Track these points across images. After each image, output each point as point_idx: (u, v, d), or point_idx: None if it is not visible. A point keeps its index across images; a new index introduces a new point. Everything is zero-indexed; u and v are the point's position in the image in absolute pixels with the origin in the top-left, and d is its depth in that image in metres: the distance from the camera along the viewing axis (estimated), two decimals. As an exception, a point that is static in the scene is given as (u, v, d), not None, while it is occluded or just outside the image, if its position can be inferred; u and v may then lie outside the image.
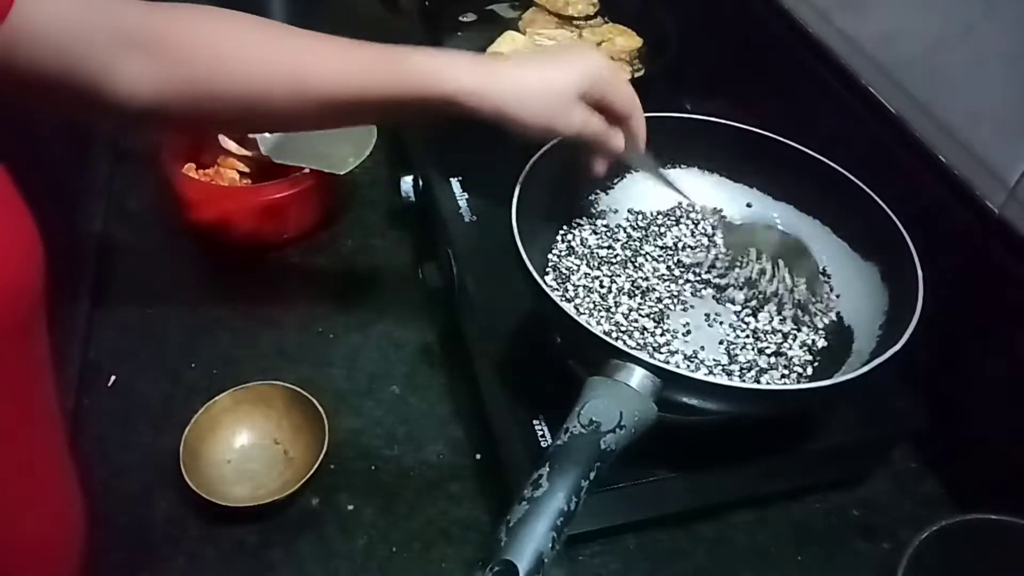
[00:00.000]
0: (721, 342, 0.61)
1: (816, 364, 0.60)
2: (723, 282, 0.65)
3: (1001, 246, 0.59)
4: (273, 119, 0.58)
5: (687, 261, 0.67)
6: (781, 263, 0.66)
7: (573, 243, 0.66)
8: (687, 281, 0.65)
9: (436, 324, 0.75)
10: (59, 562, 0.45)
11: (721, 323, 0.63)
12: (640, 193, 0.70)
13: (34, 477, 0.42)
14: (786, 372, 0.60)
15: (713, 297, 0.64)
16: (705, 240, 0.69)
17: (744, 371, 0.59)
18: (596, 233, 0.68)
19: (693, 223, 0.70)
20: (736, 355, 0.60)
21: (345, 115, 0.58)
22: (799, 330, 0.62)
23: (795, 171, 0.65)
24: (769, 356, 0.61)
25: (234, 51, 0.52)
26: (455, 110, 0.55)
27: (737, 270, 0.66)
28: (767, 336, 0.62)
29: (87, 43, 0.47)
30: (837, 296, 0.64)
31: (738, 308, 0.64)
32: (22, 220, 0.37)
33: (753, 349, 0.61)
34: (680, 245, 0.68)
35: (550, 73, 0.57)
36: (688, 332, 0.61)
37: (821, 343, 0.61)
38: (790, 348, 0.61)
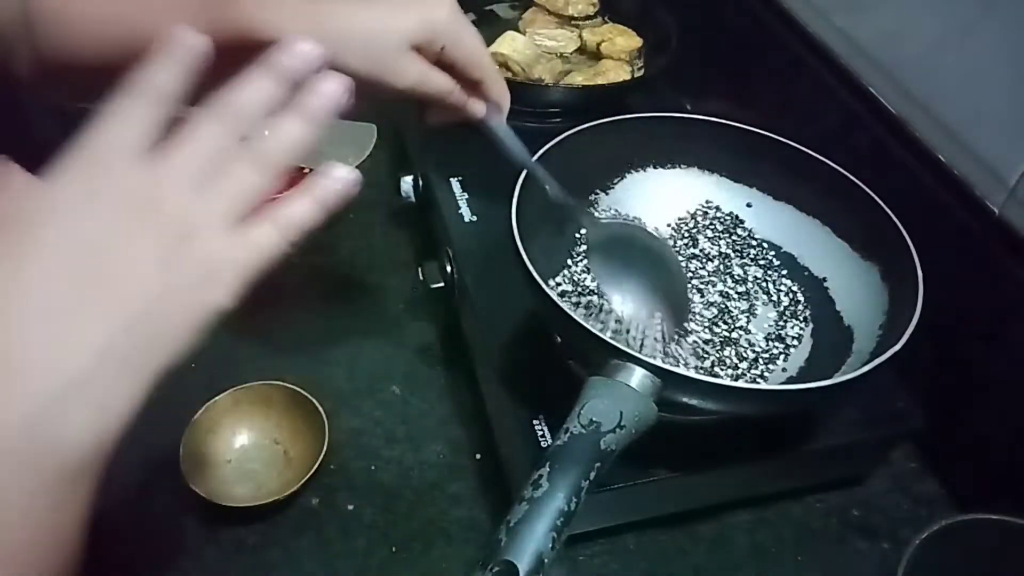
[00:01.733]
0: (721, 342, 0.61)
1: (816, 364, 0.60)
2: (723, 282, 0.66)
3: (1001, 246, 0.59)
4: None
5: (687, 261, 0.67)
6: (782, 265, 0.66)
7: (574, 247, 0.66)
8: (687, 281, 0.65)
9: (436, 324, 0.75)
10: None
11: (721, 323, 0.63)
12: (641, 194, 0.70)
13: None
14: (786, 372, 0.60)
15: (713, 297, 0.64)
16: (706, 241, 0.69)
17: (744, 371, 0.59)
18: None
19: (693, 224, 0.70)
20: (736, 355, 0.60)
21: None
22: (800, 330, 0.63)
23: (795, 171, 0.65)
24: (769, 356, 0.61)
25: (83, 17, 0.50)
26: None
27: (737, 271, 0.66)
28: (768, 336, 0.62)
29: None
30: (835, 297, 0.64)
31: (738, 308, 0.64)
32: None
33: (754, 349, 0.61)
34: (679, 245, 0.68)
35: (379, 17, 0.51)
36: (689, 332, 0.61)
37: (821, 343, 0.61)
38: (790, 348, 0.61)
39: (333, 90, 0.39)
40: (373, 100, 0.53)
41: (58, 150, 0.38)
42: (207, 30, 0.49)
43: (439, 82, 0.53)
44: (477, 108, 0.56)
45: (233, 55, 0.50)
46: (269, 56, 0.39)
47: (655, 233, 0.66)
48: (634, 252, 0.58)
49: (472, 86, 0.54)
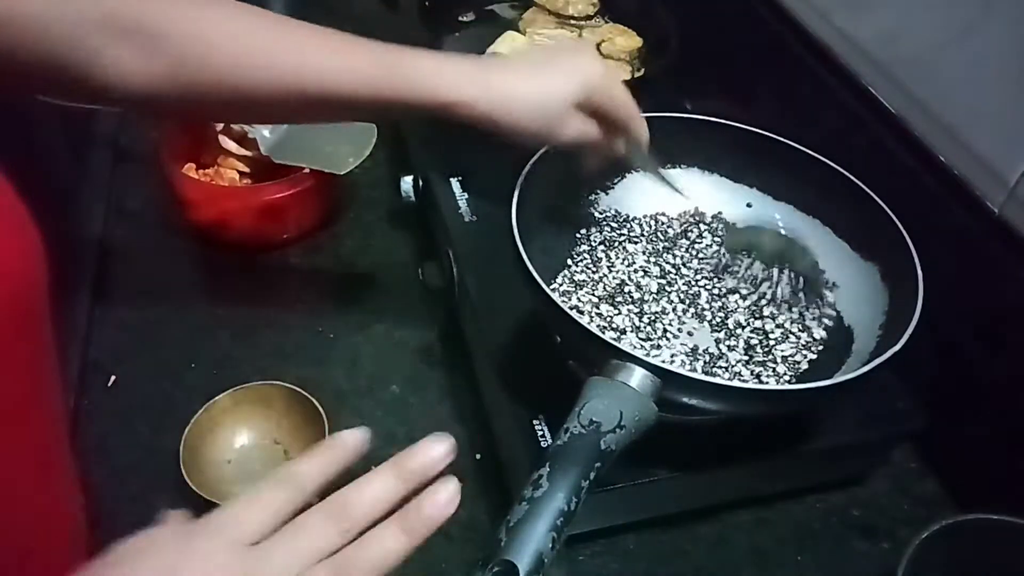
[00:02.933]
0: (721, 342, 0.61)
1: (816, 364, 0.60)
2: (724, 283, 0.66)
3: (1001, 246, 0.59)
4: (265, 113, 0.58)
5: (687, 261, 0.67)
6: (782, 264, 0.66)
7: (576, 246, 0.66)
8: (687, 281, 0.65)
9: (436, 324, 0.75)
10: (62, 561, 0.45)
11: (721, 323, 0.63)
12: (641, 194, 0.70)
13: (38, 477, 0.42)
14: (786, 372, 0.60)
15: (714, 297, 0.64)
16: (706, 241, 0.69)
17: (744, 371, 0.59)
18: (595, 233, 0.68)
19: (694, 224, 0.70)
20: (736, 355, 0.60)
21: (336, 112, 0.58)
22: (800, 330, 0.63)
23: (795, 171, 0.65)
24: (769, 356, 0.61)
25: (226, 42, 0.50)
26: (449, 116, 0.54)
27: (738, 271, 0.66)
28: (768, 336, 0.62)
29: (75, 28, 0.46)
30: (835, 297, 0.64)
31: (738, 308, 0.64)
32: (22, 221, 0.37)
33: (754, 349, 0.61)
34: (679, 245, 0.68)
35: (545, 82, 0.56)
36: (690, 332, 0.61)
37: (821, 344, 0.61)
38: (790, 348, 0.61)
39: (446, 502, 0.38)
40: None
41: (58, 150, 0.37)
42: (374, 86, 0.52)
43: (595, 132, 0.59)
44: (620, 147, 0.61)
45: (394, 108, 0.54)
46: (401, 456, 0.40)
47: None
48: None
49: (618, 128, 0.60)
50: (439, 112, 0.54)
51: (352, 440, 0.41)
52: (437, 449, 0.39)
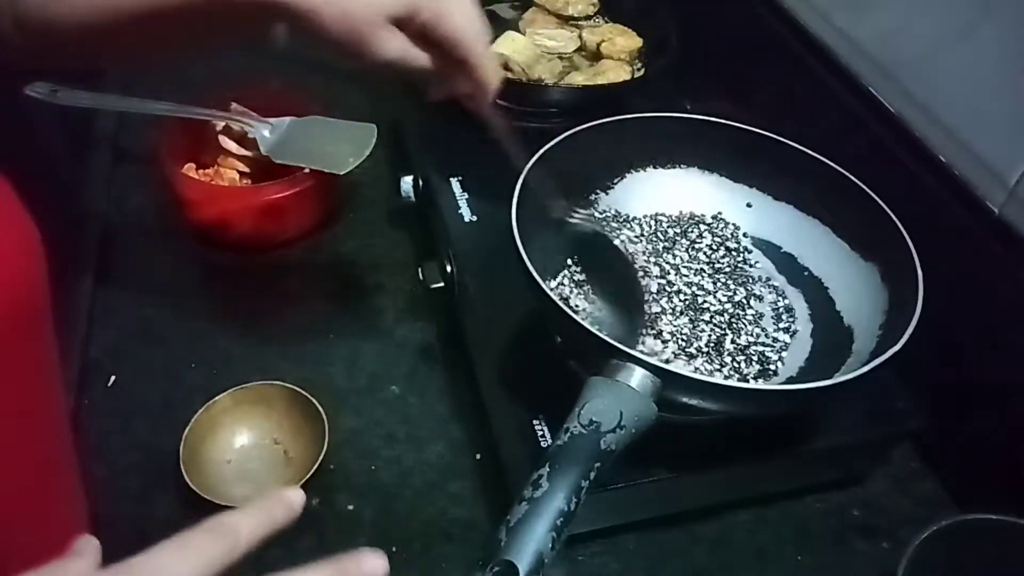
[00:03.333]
0: (722, 342, 0.61)
1: (816, 364, 0.60)
2: (724, 283, 0.66)
3: (1001, 246, 0.59)
4: (111, 41, 0.54)
5: (687, 262, 0.67)
6: (777, 264, 0.66)
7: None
8: (687, 282, 0.65)
9: (436, 324, 0.75)
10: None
11: (721, 323, 0.63)
12: (641, 194, 0.70)
13: (39, 476, 0.42)
14: (786, 372, 0.60)
15: (714, 297, 0.64)
16: (706, 241, 0.69)
17: (744, 371, 0.59)
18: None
19: (694, 224, 0.70)
20: (736, 355, 0.60)
21: (163, 26, 0.52)
22: (797, 329, 0.63)
23: (795, 171, 0.65)
24: (770, 356, 0.61)
25: None
26: (264, 17, 0.50)
27: (734, 271, 0.66)
28: (768, 336, 0.62)
29: None
30: (834, 296, 0.64)
31: (738, 308, 0.64)
32: (21, 220, 0.37)
33: (754, 349, 0.61)
34: (679, 245, 0.68)
35: None
36: (690, 332, 0.61)
37: (819, 343, 0.61)
38: (791, 348, 0.61)
39: None
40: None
41: (58, 150, 0.37)
42: None
43: (419, 59, 0.51)
44: (464, 87, 0.53)
45: (214, 15, 0.50)
46: (343, 560, 0.40)
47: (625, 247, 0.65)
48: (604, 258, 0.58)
49: (458, 64, 0.52)
50: (252, 13, 0.49)
51: (295, 500, 0.40)
52: (377, 566, 0.39)
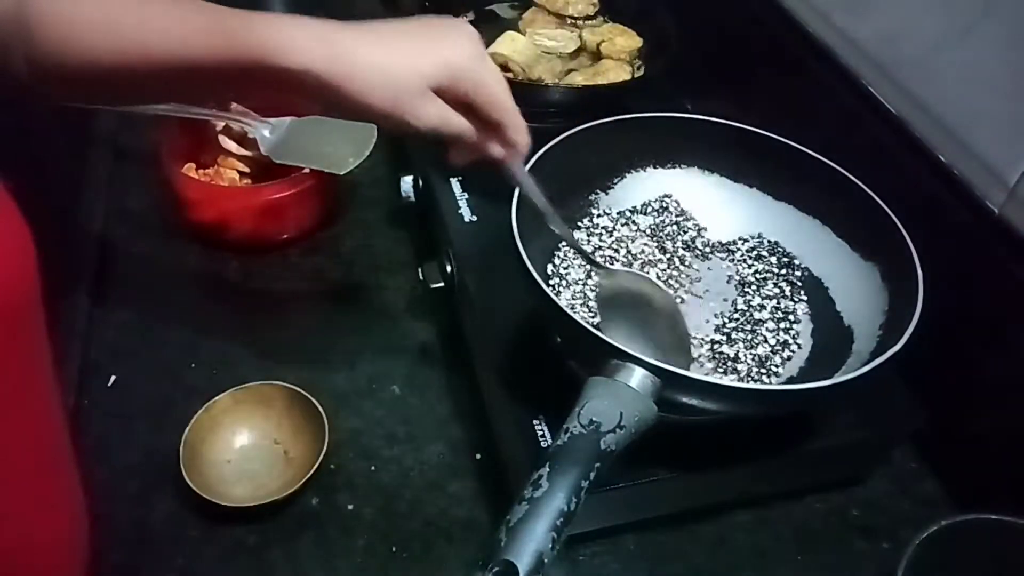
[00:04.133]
0: (721, 342, 0.61)
1: (816, 364, 0.60)
2: (723, 283, 0.66)
3: (1001, 246, 0.59)
4: (133, 89, 0.54)
5: (686, 261, 0.67)
6: (777, 264, 0.66)
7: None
8: (685, 281, 0.65)
9: (436, 324, 0.75)
10: (65, 564, 0.45)
11: (721, 323, 0.63)
12: (641, 194, 0.70)
13: (35, 479, 0.42)
14: (786, 372, 0.60)
15: (713, 297, 0.64)
16: (706, 241, 0.69)
17: (744, 370, 0.59)
18: (593, 234, 0.68)
19: (693, 224, 0.70)
20: (736, 355, 0.60)
21: (190, 83, 0.52)
22: (797, 329, 0.63)
23: (795, 171, 0.65)
24: (769, 356, 0.61)
25: (84, 22, 0.49)
26: (292, 87, 0.49)
27: (732, 270, 0.66)
28: (768, 336, 0.62)
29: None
30: (834, 296, 0.64)
31: (738, 308, 0.64)
32: (12, 222, 0.37)
33: (754, 349, 0.61)
34: (678, 245, 0.68)
35: (399, 54, 0.49)
36: (689, 332, 0.61)
37: (819, 343, 0.61)
38: (790, 348, 0.61)
39: None
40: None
41: (58, 150, 0.37)
42: (216, 51, 0.48)
43: (459, 125, 0.51)
44: (496, 151, 0.54)
45: (244, 79, 0.49)
46: None
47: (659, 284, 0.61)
48: (641, 305, 0.57)
49: (494, 128, 0.53)
50: (287, 81, 0.49)
51: None
52: None
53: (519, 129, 0.53)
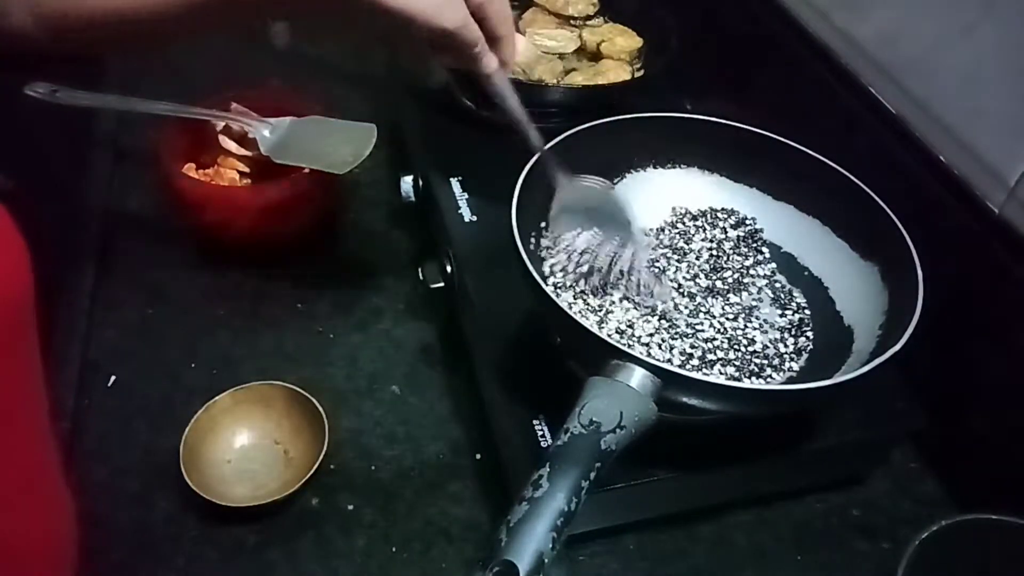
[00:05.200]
0: (722, 342, 0.61)
1: (816, 364, 0.60)
2: (723, 282, 0.65)
3: (1001, 246, 0.59)
4: (135, 31, 0.55)
5: (683, 261, 0.67)
6: (777, 264, 0.66)
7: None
8: (682, 281, 0.65)
9: (436, 324, 0.75)
10: (49, 568, 0.45)
11: (721, 322, 0.63)
12: (641, 194, 0.70)
13: (20, 494, 0.41)
14: (786, 371, 0.60)
15: (713, 296, 0.64)
16: (706, 240, 0.69)
17: (744, 370, 0.59)
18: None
19: (693, 224, 0.70)
20: (736, 355, 0.60)
21: (210, 12, 0.53)
22: (797, 329, 0.63)
23: (795, 171, 0.65)
24: (769, 355, 0.61)
25: None
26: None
27: (731, 269, 0.66)
28: (767, 336, 0.62)
29: None
30: (834, 296, 0.64)
31: (738, 307, 0.64)
32: (7, 233, 0.36)
33: (754, 348, 0.61)
34: (677, 245, 0.68)
35: None
36: (687, 332, 0.61)
37: (819, 343, 0.61)
38: (789, 347, 0.61)
39: None
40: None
41: (58, 150, 0.37)
42: None
43: (474, 32, 0.54)
44: (490, 62, 0.57)
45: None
46: None
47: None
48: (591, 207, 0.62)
49: (493, 41, 0.56)
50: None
51: None
52: None
53: (513, 44, 0.57)
